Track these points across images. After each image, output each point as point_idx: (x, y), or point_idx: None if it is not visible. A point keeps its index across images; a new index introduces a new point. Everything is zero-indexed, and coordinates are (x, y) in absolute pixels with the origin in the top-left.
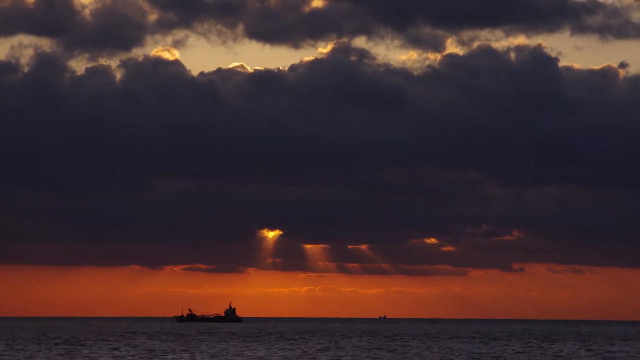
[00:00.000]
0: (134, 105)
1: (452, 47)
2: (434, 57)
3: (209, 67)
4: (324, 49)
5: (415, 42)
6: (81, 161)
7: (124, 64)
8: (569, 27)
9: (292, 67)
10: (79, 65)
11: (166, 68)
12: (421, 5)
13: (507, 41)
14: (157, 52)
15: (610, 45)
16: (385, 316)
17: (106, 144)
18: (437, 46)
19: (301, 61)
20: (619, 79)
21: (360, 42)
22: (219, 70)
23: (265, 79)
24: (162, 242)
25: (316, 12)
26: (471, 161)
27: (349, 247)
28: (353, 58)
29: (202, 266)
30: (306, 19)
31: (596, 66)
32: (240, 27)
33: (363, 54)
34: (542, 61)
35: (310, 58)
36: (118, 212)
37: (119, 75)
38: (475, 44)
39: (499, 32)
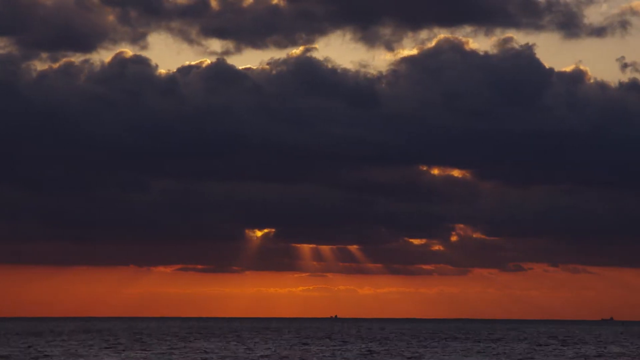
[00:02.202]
0: (103, 105)
1: (417, 45)
2: (400, 55)
3: (177, 64)
4: (289, 48)
5: (383, 41)
6: (65, 162)
7: (87, 63)
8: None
9: (259, 66)
10: (40, 64)
11: (132, 66)
12: (387, 4)
13: (478, 39)
14: (121, 50)
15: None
16: (336, 316)
17: (85, 144)
18: (402, 44)
19: (271, 59)
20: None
21: (325, 41)
22: (188, 67)
23: (236, 77)
24: (154, 242)
25: (281, 11)
26: (466, 160)
27: (342, 247)
28: (320, 57)
29: (196, 266)
30: (271, 18)
31: (562, 66)
32: (206, 25)
33: (329, 53)
34: (517, 57)
35: (276, 57)
36: (109, 212)
37: (83, 74)
38: (443, 42)
39: (462, 30)
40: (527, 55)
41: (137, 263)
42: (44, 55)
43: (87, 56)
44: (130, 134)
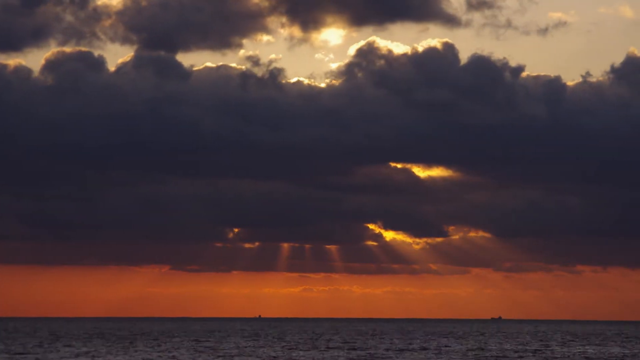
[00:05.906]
0: (65, 103)
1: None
2: (345, 53)
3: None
4: (230, 52)
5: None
6: (55, 162)
7: (19, 63)
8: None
9: (212, 64)
10: None
11: (69, 64)
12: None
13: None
14: (56, 48)
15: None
16: (260, 316)
17: (59, 145)
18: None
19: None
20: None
21: (270, 39)
22: (126, 64)
23: (184, 75)
24: (145, 242)
25: (221, 13)
26: (461, 159)
27: (329, 246)
28: (265, 55)
29: (185, 266)
30: (212, 21)
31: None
32: (139, 22)
33: (277, 54)
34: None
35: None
36: (98, 212)
37: (36, 72)
38: (376, 42)
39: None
40: (470, 52)
41: (128, 263)
42: None
43: (20, 56)
44: (92, 132)
